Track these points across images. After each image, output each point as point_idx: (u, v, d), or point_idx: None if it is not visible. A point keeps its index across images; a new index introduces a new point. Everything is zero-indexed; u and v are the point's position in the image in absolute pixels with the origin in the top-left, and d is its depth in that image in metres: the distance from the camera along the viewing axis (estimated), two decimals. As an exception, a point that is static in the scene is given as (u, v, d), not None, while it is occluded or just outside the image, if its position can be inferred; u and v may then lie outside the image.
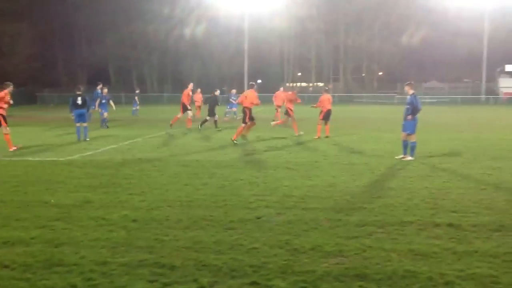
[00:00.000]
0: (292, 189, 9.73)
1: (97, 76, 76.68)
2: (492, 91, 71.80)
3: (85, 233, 6.96)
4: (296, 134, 20.46)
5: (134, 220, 7.57)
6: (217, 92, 24.63)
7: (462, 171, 11.89)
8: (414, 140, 13.89)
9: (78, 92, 18.99)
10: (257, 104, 18.68)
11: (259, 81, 77.37)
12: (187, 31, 73.41)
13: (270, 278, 5.38)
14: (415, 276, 5.34)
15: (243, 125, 18.29)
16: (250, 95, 18.26)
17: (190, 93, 24.80)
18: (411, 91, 13.94)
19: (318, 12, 76.18)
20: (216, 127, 23.76)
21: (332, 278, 5.33)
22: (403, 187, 10.01)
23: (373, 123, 27.58)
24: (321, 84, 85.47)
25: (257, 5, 67.52)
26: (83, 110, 19.05)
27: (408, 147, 13.87)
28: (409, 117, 13.79)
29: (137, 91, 41.37)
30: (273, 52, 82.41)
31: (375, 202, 8.65)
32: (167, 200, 8.88)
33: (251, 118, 18.32)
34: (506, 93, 69.41)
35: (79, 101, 18.96)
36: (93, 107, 24.95)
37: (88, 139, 18.88)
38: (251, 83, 19.32)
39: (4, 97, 16.21)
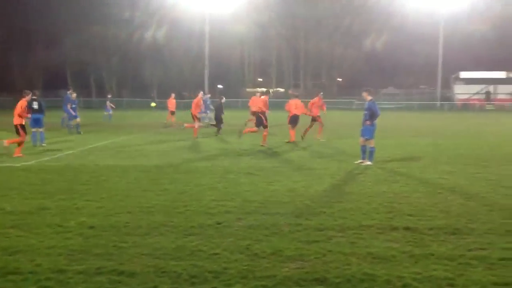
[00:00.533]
0: (253, 194, 9.74)
1: (53, 80, 75.11)
2: (447, 97, 73.78)
3: (41, 241, 6.79)
4: (320, 139, 20.63)
5: (91, 227, 7.43)
6: (223, 100, 24.84)
7: (419, 175, 12.14)
8: (372, 145, 14.12)
9: (34, 97, 18.50)
10: (263, 110, 19.33)
11: (220, 86, 77.34)
12: (148, 35, 72.74)
13: (230, 283, 5.37)
14: (373, 279, 5.42)
15: (265, 130, 19.03)
16: (262, 101, 19.61)
17: (201, 101, 23.98)
18: (369, 97, 14.17)
19: (279, 17, 76.81)
20: (218, 133, 23.64)
21: (292, 283, 5.36)
22: (362, 191, 10.15)
23: (332, 128, 27.84)
24: (281, 90, 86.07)
25: (218, 10, 67.52)
26: (39, 115, 18.58)
27: (366, 152, 14.08)
28: (368, 122, 14.02)
29: (109, 96, 40.56)
30: (234, 56, 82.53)
31: (335, 207, 8.74)
32: (126, 206, 8.75)
33: (260, 124, 19.10)
34: (460, 100, 71.47)
35: (35, 105, 18.50)
36: (68, 112, 24.59)
37: (44, 145, 18.43)
38: (266, 89, 20.55)
39: (23, 107, 15.96)
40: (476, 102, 69.02)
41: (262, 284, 5.33)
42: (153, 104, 41.09)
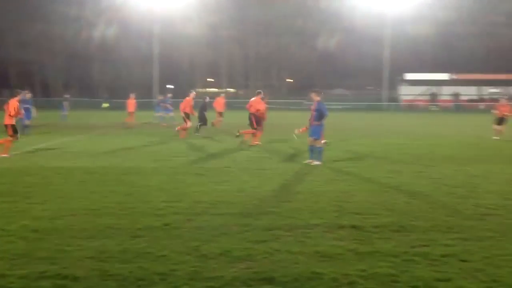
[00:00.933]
0: (202, 195, 9.68)
1: (-4, 80, 72.50)
2: (393, 98, 75.73)
3: (-20, 246, 6.53)
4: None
5: (34, 230, 7.20)
6: (207, 99, 24.86)
7: (365, 174, 12.38)
8: (320, 145, 14.30)
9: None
10: (261, 111, 19.30)
11: (170, 86, 76.61)
12: (96, 34, 71.30)
13: (178, 285, 5.32)
14: (320, 278, 5.48)
15: (254, 129, 19.22)
16: (256, 102, 19.32)
17: (192, 102, 23.40)
18: (317, 98, 14.35)
19: (230, 18, 76.81)
20: (197, 132, 23.45)
21: (240, 283, 5.35)
22: (310, 191, 10.26)
23: (282, 129, 28.04)
24: (232, 90, 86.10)
25: (168, 10, 66.95)
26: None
27: (315, 152, 14.25)
28: (316, 123, 14.19)
29: (66, 96, 39.57)
30: (184, 57, 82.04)
31: (283, 206, 8.80)
32: (71, 208, 8.53)
33: (258, 124, 19.21)
34: (405, 100, 73.48)
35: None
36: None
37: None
38: (258, 91, 20.04)
39: (14, 106, 15.45)
40: (420, 103, 71.09)
41: (210, 285, 5.30)
42: (105, 105, 40.30)
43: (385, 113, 56.41)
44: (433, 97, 74.33)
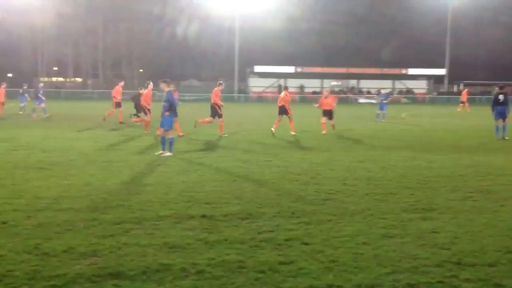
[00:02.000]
0: (44, 190, 9.14)
1: None
2: (244, 90, 77.82)
3: None
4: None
5: None
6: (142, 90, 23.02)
7: (216, 164, 12.57)
8: (172, 136, 14.24)
9: None
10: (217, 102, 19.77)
11: (9, 75, 71.13)
12: None
13: (16, 286, 4.97)
14: (168, 269, 5.46)
15: (221, 119, 19.66)
16: (215, 93, 19.91)
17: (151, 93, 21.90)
18: (167, 89, 14.24)
19: (77, 5, 72.91)
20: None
21: (85, 280, 5.14)
22: (161, 182, 10.17)
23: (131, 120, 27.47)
24: (79, 80, 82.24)
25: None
26: None
27: (166, 143, 14.15)
28: (166, 113, 14.09)
29: (24, 87, 34.58)
30: (25, 45, 76.57)
31: (133, 199, 8.62)
32: None
33: (216, 114, 19.72)
34: (255, 92, 75.88)
35: None
36: None
37: None
38: (219, 81, 20.34)
39: None
40: (269, 94, 73.83)
41: (51, 284, 5.02)
42: None
43: (236, 104, 57.68)
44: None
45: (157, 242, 6.35)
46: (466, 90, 51.24)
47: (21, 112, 31.65)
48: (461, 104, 45.75)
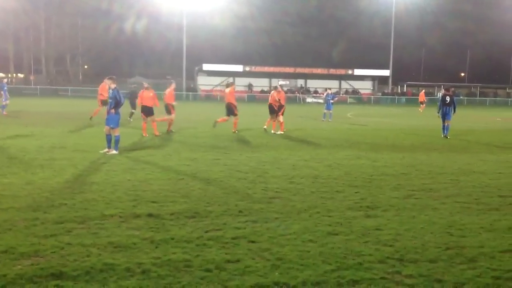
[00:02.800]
0: (-17, 189, 8.80)
1: None
2: (192, 88, 77.37)
3: None
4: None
5: None
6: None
7: (163, 163, 12.44)
8: (117, 134, 13.98)
9: None
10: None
11: None
12: None
13: (-50, 290, 4.76)
14: (113, 269, 5.35)
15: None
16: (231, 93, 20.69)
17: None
18: (113, 85, 13.98)
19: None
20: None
21: (26, 280, 4.98)
22: (106, 181, 9.98)
23: (76, 117, 26.83)
24: (21, 75, 79.62)
25: None
26: None
27: (112, 141, 13.89)
28: (112, 111, 13.83)
29: (4, 81, 32.10)
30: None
31: (77, 198, 8.42)
32: None
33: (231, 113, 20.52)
34: (203, 90, 75.63)
35: None
36: None
37: None
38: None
39: None
40: (218, 93, 73.71)
41: (-11, 286, 4.85)
42: None
43: (185, 103, 57.23)
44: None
45: (101, 241, 6.23)
46: (423, 91, 52.44)
47: None
48: (422, 105, 46.92)
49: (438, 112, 21.23)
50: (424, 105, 46.84)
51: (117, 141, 13.94)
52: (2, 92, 28.59)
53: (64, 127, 21.08)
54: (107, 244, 6.13)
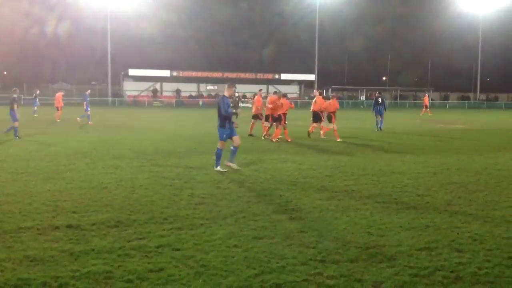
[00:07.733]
0: None
1: None
2: (118, 93, 75.77)
3: None
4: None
5: None
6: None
7: (86, 171, 12.05)
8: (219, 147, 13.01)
9: None
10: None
11: None
12: None
13: None
14: (28, 284, 5.10)
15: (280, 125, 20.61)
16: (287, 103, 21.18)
17: None
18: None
19: None
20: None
21: None
22: (23, 191, 9.55)
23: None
24: None
25: None
26: None
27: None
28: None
29: (87, 92, 32.00)
30: None
31: (-10, 210, 7.99)
32: None
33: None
34: (130, 96, 74.27)
35: None
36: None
37: None
38: (283, 93, 21.88)
39: None
40: (145, 98, 72.61)
41: None
42: None
43: (110, 108, 55.98)
44: (155, 93, 76.55)
45: (16, 255, 5.94)
46: (427, 95, 52.97)
47: None
48: (424, 109, 47.68)
49: (372, 111, 27.10)
50: (425, 109, 47.47)
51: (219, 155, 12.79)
52: (85, 103, 30.49)
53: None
54: (23, 258, 5.85)
